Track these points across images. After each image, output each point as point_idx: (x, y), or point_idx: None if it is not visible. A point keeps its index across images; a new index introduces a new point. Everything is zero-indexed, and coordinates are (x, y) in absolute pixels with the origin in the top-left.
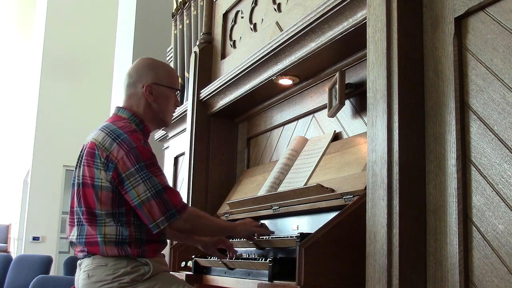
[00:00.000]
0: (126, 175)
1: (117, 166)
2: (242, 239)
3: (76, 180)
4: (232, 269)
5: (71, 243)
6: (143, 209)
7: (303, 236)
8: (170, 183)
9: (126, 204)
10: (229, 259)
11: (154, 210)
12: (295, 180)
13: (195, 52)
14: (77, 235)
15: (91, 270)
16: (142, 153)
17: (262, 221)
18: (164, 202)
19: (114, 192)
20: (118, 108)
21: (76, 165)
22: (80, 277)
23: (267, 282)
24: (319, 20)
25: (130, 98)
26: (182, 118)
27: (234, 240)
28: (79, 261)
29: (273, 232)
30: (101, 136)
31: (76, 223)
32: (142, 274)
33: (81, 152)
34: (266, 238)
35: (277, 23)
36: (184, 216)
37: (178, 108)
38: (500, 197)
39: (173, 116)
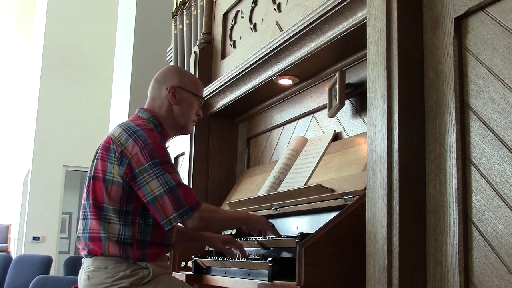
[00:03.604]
0: (139, 170)
1: (131, 162)
2: (242, 239)
3: (88, 174)
4: (239, 269)
5: (77, 238)
6: (156, 205)
7: (303, 236)
8: None
9: (134, 202)
10: (241, 257)
11: (167, 206)
12: (295, 180)
13: (195, 52)
14: (82, 229)
15: (91, 272)
16: (157, 150)
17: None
18: (177, 198)
19: (125, 188)
20: (140, 109)
21: (92, 159)
22: (81, 277)
23: (267, 282)
24: (319, 20)
25: (153, 100)
26: None
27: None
28: (82, 259)
29: (280, 236)
30: (118, 132)
31: (82, 216)
32: (141, 277)
33: (98, 147)
34: (267, 238)
35: (277, 23)
36: (197, 214)
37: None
38: (500, 197)
39: (194, 124)
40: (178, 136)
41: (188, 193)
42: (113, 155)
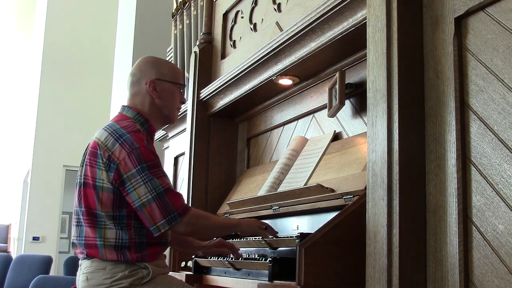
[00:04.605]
0: (127, 176)
1: (118, 167)
2: (241, 239)
3: (78, 179)
4: (239, 269)
5: (73, 244)
6: (144, 211)
7: (303, 236)
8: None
9: (127, 206)
10: (235, 259)
11: (155, 213)
12: (295, 180)
13: (195, 52)
14: (77, 236)
15: (89, 273)
16: (144, 154)
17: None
18: (165, 204)
19: (115, 193)
20: (123, 107)
21: (81, 163)
22: (79, 278)
23: (267, 282)
24: (319, 20)
25: (134, 97)
26: (182, 118)
27: (233, 240)
28: (79, 261)
29: (277, 233)
30: (104, 136)
31: (75, 223)
32: (141, 277)
33: (85, 150)
34: (270, 237)
35: (277, 23)
36: (186, 219)
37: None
38: (500, 197)
39: (179, 112)
40: (178, 136)
41: (176, 198)
42: (101, 161)
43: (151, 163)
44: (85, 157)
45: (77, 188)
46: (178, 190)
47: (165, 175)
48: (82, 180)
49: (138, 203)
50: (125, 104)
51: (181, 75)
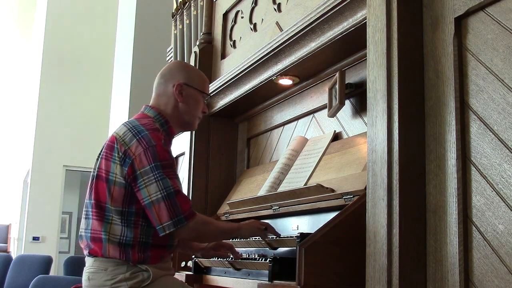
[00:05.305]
0: (140, 172)
1: (133, 162)
2: (241, 239)
3: (92, 172)
4: (239, 269)
5: (80, 236)
6: (152, 209)
7: (303, 236)
8: None
9: (136, 203)
10: (234, 259)
11: (162, 213)
12: (295, 180)
13: (195, 52)
14: (84, 229)
15: (91, 273)
16: (160, 153)
17: (266, 221)
18: (173, 206)
19: (127, 189)
20: (146, 106)
21: (97, 157)
22: (83, 276)
23: (267, 282)
24: (319, 20)
25: (158, 97)
26: None
27: (234, 240)
28: (85, 258)
29: (278, 233)
30: (123, 131)
31: (84, 216)
32: (141, 280)
33: (104, 144)
34: (270, 237)
35: (277, 23)
36: (191, 224)
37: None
38: (500, 197)
39: (199, 120)
40: (179, 135)
41: (184, 202)
42: (117, 155)
43: (165, 163)
44: (102, 150)
45: (90, 181)
46: (189, 197)
47: (177, 178)
48: (96, 172)
49: (147, 201)
50: (148, 104)
51: (208, 85)
